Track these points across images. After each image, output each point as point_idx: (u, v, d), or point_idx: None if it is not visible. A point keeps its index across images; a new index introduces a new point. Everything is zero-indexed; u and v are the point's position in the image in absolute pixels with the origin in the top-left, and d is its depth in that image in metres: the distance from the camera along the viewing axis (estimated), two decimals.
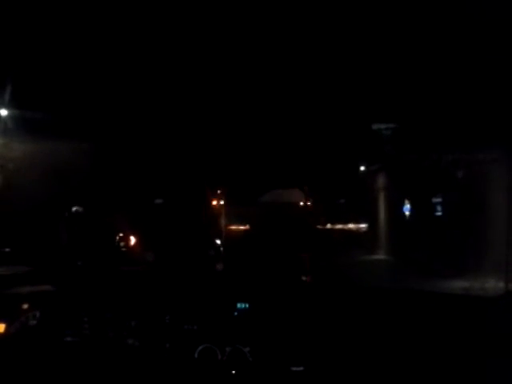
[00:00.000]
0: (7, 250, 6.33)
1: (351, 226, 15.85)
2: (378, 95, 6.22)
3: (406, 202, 12.03)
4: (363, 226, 15.11)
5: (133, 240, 9.75)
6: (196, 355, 2.31)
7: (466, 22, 3.94)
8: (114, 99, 6.00)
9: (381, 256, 12.11)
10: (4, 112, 6.66)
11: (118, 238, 9.75)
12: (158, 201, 11.81)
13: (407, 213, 12.03)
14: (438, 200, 10.42)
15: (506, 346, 2.09)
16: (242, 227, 14.20)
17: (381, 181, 13.49)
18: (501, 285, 4.58)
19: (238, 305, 2.45)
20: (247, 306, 2.45)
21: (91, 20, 3.97)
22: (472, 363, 2.09)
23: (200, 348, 2.32)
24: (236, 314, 2.44)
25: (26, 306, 2.55)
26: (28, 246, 6.64)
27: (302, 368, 2.24)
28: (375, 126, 9.05)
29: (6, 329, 2.50)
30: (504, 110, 5.14)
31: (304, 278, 3.44)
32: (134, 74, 5.22)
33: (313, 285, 3.05)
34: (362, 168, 13.61)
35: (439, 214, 10.35)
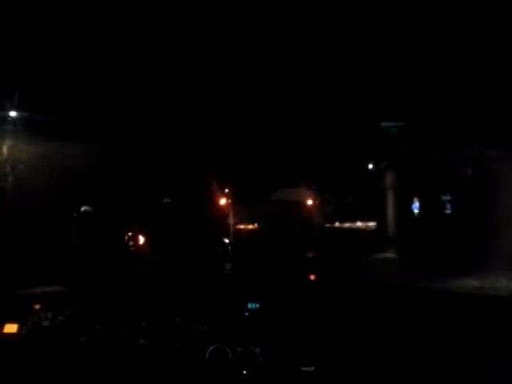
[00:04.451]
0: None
1: (360, 224, 15.82)
2: (387, 93, 6.19)
3: (415, 199, 11.96)
4: (372, 224, 15.06)
5: (141, 239, 9.78)
6: (207, 355, 2.31)
7: (473, 20, 3.91)
8: (122, 101, 6.03)
9: (390, 254, 12.07)
10: (13, 114, 6.71)
11: (126, 237, 9.78)
12: (166, 200, 11.85)
13: (416, 211, 11.96)
14: (447, 198, 10.36)
15: None
16: (250, 226, 14.21)
17: (389, 179, 13.43)
18: None
19: (249, 305, 2.45)
20: (258, 306, 2.45)
21: (98, 25, 4.00)
22: (482, 363, 2.08)
23: (211, 348, 2.32)
24: (247, 314, 2.44)
25: (38, 307, 2.57)
26: (38, 245, 6.69)
27: (312, 368, 2.24)
28: (384, 124, 9.02)
29: (19, 329, 2.52)
30: None
31: (313, 277, 3.43)
32: (142, 76, 5.25)
33: (322, 284, 3.04)
34: (371, 166, 13.57)
35: (448, 211, 10.29)
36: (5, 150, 7.11)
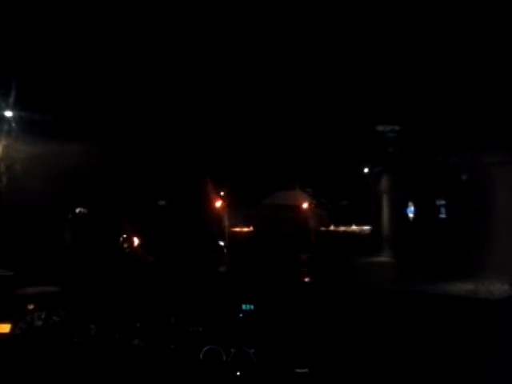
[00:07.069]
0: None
1: (354, 227, 15.84)
2: (382, 97, 6.21)
3: (410, 203, 12.00)
4: (366, 227, 15.09)
5: (136, 241, 9.76)
6: (201, 356, 2.32)
7: (470, 24, 3.94)
8: (118, 101, 6.02)
9: (384, 258, 12.09)
10: (9, 113, 6.68)
11: (121, 239, 9.75)
12: (162, 202, 11.83)
13: (411, 215, 11.99)
14: (442, 202, 10.40)
15: (510, 349, 2.08)
16: (245, 229, 14.21)
17: (384, 183, 13.46)
18: (506, 287, 4.55)
19: (243, 306, 2.46)
20: (252, 307, 2.46)
21: (96, 23, 3.99)
22: (476, 366, 2.09)
23: (205, 349, 2.32)
24: (241, 315, 2.44)
25: (31, 307, 2.56)
26: (33, 246, 6.65)
27: (306, 370, 2.24)
28: (379, 128, 9.04)
29: (12, 329, 2.51)
30: (510, 111, 5.13)
31: (307, 280, 3.44)
32: (139, 76, 5.25)
33: (317, 286, 3.05)
34: (366, 170, 13.60)
35: (443, 216, 10.32)
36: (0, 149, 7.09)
